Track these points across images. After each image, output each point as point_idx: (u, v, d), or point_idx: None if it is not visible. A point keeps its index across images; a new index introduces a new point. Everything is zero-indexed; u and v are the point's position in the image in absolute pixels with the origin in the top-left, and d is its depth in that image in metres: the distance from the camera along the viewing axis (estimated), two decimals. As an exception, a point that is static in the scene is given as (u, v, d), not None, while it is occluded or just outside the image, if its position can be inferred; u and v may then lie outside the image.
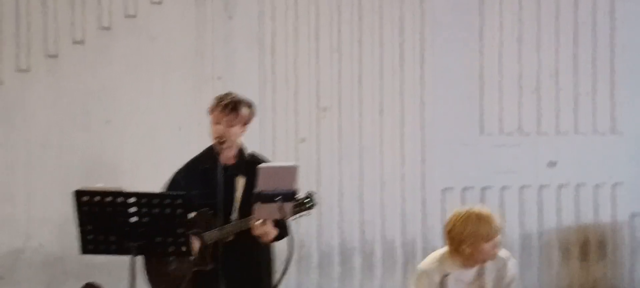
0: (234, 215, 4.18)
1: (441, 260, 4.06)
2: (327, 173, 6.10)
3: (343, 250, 6.16)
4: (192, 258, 4.16)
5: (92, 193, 3.61)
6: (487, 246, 3.96)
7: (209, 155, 4.29)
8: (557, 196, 6.48)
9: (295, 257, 6.08)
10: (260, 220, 4.03)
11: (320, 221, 6.07)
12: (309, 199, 4.14)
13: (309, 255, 6.11)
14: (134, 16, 5.79)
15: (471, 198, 6.23)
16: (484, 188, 6.34)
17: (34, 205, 5.69)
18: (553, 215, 6.47)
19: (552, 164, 6.46)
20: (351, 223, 6.16)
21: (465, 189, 6.30)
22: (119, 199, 3.62)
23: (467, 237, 3.94)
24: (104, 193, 3.60)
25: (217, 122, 4.21)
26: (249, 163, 4.25)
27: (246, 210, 4.09)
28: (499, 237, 4.00)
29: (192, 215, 4.17)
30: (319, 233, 6.11)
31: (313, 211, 4.22)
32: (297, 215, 4.14)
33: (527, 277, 6.41)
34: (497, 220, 3.99)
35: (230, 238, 4.18)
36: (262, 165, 3.84)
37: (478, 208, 4.04)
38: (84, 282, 5.42)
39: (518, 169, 6.40)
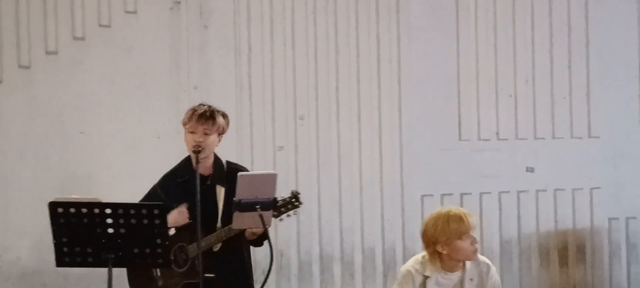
0: (218, 224, 4.15)
1: (423, 262, 4.05)
2: (305, 181, 6.07)
3: (323, 259, 6.13)
4: (182, 271, 4.13)
5: (67, 205, 3.55)
6: (461, 243, 3.95)
7: (186, 167, 4.26)
8: (535, 201, 6.49)
9: (274, 266, 6.05)
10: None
11: (299, 229, 6.04)
12: (295, 198, 4.10)
13: (288, 264, 6.07)
14: (108, 26, 5.74)
15: (450, 204, 6.20)
16: (463, 194, 6.35)
17: (10, 218, 5.62)
18: (532, 220, 6.48)
19: (530, 169, 6.48)
20: (331, 231, 6.14)
21: (444, 195, 6.29)
22: (95, 210, 3.56)
23: (439, 236, 3.94)
24: (79, 205, 3.55)
25: (192, 132, 4.17)
26: (228, 173, 4.22)
27: (229, 220, 4.06)
28: (472, 234, 3.96)
29: (172, 231, 4.14)
30: (298, 242, 6.08)
31: (299, 210, 4.18)
32: (284, 214, 4.10)
33: (507, 282, 6.41)
34: (469, 217, 3.97)
35: (218, 248, 4.14)
36: (242, 173, 3.81)
37: (449, 207, 4.04)
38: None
39: (497, 174, 6.41)
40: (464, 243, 3.95)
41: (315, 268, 6.11)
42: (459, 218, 3.95)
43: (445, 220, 3.96)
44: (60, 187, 5.49)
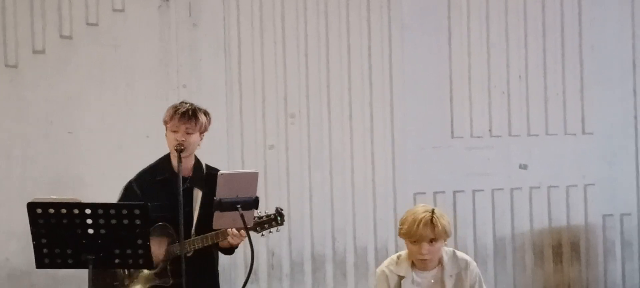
0: (193, 230, 4.09)
1: (399, 261, 4.02)
2: (296, 180, 6.04)
3: (315, 258, 6.09)
4: (152, 272, 4.07)
5: (45, 205, 3.50)
6: (410, 247, 3.91)
7: (165, 166, 4.19)
8: (529, 198, 6.45)
9: (266, 266, 6.03)
10: (233, 232, 3.95)
11: (291, 229, 6.00)
12: (279, 216, 4.06)
13: (280, 265, 6.03)
14: (95, 24, 5.70)
15: (443, 202, 6.19)
16: (456, 192, 6.31)
17: (-2, 219, 5.59)
18: (526, 218, 6.45)
19: (523, 167, 6.43)
20: (322, 230, 6.10)
21: (437, 193, 6.25)
22: (75, 211, 3.51)
23: (402, 235, 3.90)
24: (58, 205, 3.50)
25: (174, 131, 4.10)
26: (206, 176, 4.16)
27: (204, 225, 4.01)
28: (425, 244, 3.87)
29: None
30: (290, 242, 6.04)
31: (282, 227, 4.14)
32: (266, 230, 4.06)
33: (501, 280, 6.37)
34: (426, 227, 3.85)
35: (190, 253, 4.08)
36: (222, 171, 3.75)
37: (425, 208, 3.97)
38: (49, 297, 5.33)
39: (490, 172, 6.37)
40: (413, 247, 3.91)
41: (307, 268, 6.07)
42: (409, 222, 3.89)
43: (403, 220, 3.94)
44: (49, 187, 5.45)
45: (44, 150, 5.62)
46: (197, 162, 4.23)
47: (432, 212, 3.92)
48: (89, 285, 3.55)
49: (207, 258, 4.16)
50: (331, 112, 6.10)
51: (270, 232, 4.05)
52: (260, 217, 4.02)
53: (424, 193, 6.22)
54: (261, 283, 5.99)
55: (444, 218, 3.93)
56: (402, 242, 6.10)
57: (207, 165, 4.25)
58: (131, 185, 4.24)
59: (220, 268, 4.42)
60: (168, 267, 4.07)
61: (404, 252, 4.04)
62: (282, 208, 4.11)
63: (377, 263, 6.13)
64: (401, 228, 3.93)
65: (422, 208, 3.96)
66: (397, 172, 6.20)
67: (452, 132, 6.32)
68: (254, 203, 3.68)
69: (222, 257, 4.39)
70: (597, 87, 6.52)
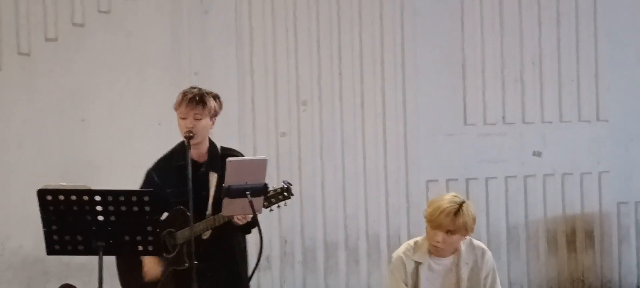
0: (208, 212, 4.09)
1: (416, 247, 4.00)
2: (308, 167, 6.03)
3: (327, 245, 6.09)
4: (169, 256, 4.09)
5: (55, 192, 3.51)
6: (429, 230, 3.89)
7: (181, 152, 4.17)
8: (543, 186, 6.42)
9: (279, 253, 6.04)
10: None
11: (303, 216, 6.01)
12: (286, 190, 4.04)
13: (292, 251, 6.04)
14: (107, 12, 5.70)
15: (456, 189, 6.14)
16: (469, 179, 6.28)
17: (12, 206, 5.61)
18: (540, 205, 6.42)
19: (537, 154, 6.40)
20: (335, 217, 6.10)
21: (449, 180, 6.23)
22: (84, 198, 3.52)
23: (425, 215, 3.90)
24: (68, 192, 3.50)
25: (183, 117, 4.09)
26: (222, 157, 4.14)
27: (220, 207, 4.00)
28: (441, 232, 3.84)
29: (165, 214, 4.10)
30: (302, 229, 6.04)
31: (289, 201, 4.12)
32: (274, 205, 4.03)
33: (515, 268, 6.35)
34: (444, 211, 3.82)
35: (207, 235, 4.09)
36: (231, 158, 3.74)
37: (453, 196, 3.94)
38: (62, 283, 5.35)
39: (503, 159, 6.34)
40: (431, 233, 3.89)
41: (320, 255, 6.08)
42: (434, 207, 3.87)
43: (429, 205, 3.92)
44: (61, 174, 5.46)
45: (56, 138, 5.64)
46: (212, 145, 4.22)
47: (460, 204, 3.86)
48: (99, 271, 3.55)
49: (224, 241, 4.15)
50: (343, 99, 6.08)
51: (278, 206, 4.02)
52: (267, 187, 3.97)
53: (437, 180, 6.20)
54: (274, 270, 6.00)
55: (470, 214, 3.86)
56: (414, 228, 6.15)
57: (222, 147, 4.24)
58: (150, 173, 4.24)
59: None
60: (184, 250, 4.07)
61: (420, 238, 4.02)
62: (290, 182, 4.07)
63: (390, 249, 6.13)
64: (426, 209, 3.91)
65: (451, 198, 3.90)
66: (410, 159, 6.18)
67: (465, 119, 6.30)
68: (262, 189, 3.67)
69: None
70: (612, 74, 6.47)
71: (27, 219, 5.55)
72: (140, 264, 4.17)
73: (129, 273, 4.20)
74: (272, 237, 5.94)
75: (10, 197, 5.61)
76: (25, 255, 5.64)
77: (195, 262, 3.84)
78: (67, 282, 5.32)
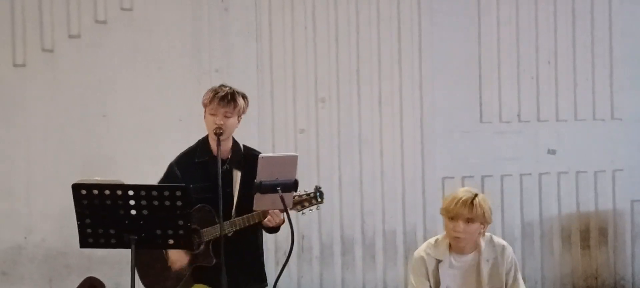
0: (233, 210, 4.14)
1: (436, 245, 4.04)
2: (326, 164, 6.08)
3: (344, 241, 6.14)
4: (196, 252, 4.13)
5: (89, 187, 3.57)
6: (447, 223, 3.95)
7: (204, 148, 4.23)
8: (557, 183, 6.46)
9: (296, 249, 6.08)
10: (274, 211, 4.00)
11: (321, 212, 6.04)
12: (319, 194, 4.10)
13: (310, 247, 6.09)
14: (129, 9, 5.76)
15: (471, 186, 6.19)
16: (484, 177, 6.33)
17: (34, 200, 5.67)
18: (554, 203, 6.46)
19: (552, 152, 6.44)
20: (352, 214, 6.15)
21: (465, 177, 6.28)
22: (118, 192, 3.58)
23: (441, 210, 3.97)
24: (102, 187, 3.56)
25: (213, 114, 4.14)
26: (245, 157, 4.20)
27: (244, 205, 4.05)
28: (460, 222, 3.91)
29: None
30: (319, 225, 6.09)
31: (322, 205, 4.20)
32: (307, 209, 4.11)
33: (529, 264, 6.40)
34: (461, 200, 3.90)
35: (231, 233, 4.14)
36: (263, 154, 3.79)
37: (468, 190, 4.01)
38: (84, 277, 5.40)
39: (518, 157, 6.38)
40: (449, 224, 3.95)
41: (337, 251, 6.13)
42: (450, 199, 3.94)
43: (445, 198, 4.00)
44: (83, 169, 5.53)
45: (78, 133, 5.70)
46: (235, 143, 4.27)
47: (475, 195, 3.96)
48: (131, 263, 3.61)
49: (248, 238, 4.20)
50: (361, 96, 6.13)
51: (310, 210, 4.09)
52: (300, 196, 4.06)
53: (453, 177, 6.25)
54: (291, 266, 6.05)
55: (486, 204, 3.95)
56: (430, 225, 6.20)
57: (245, 146, 4.29)
58: (172, 167, 4.28)
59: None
60: (210, 247, 4.12)
61: (440, 236, 4.07)
62: (321, 186, 4.14)
63: (405, 246, 6.19)
64: (442, 204, 3.98)
65: (465, 189, 4.01)
66: (426, 157, 6.23)
67: (480, 117, 6.34)
68: (293, 185, 3.72)
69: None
70: (627, 73, 6.50)
71: (50, 213, 5.64)
72: (161, 256, 4.21)
73: (149, 265, 4.23)
74: (289, 232, 5.97)
75: (32, 191, 5.67)
76: (48, 249, 5.70)
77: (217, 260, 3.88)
78: (90, 276, 5.38)
